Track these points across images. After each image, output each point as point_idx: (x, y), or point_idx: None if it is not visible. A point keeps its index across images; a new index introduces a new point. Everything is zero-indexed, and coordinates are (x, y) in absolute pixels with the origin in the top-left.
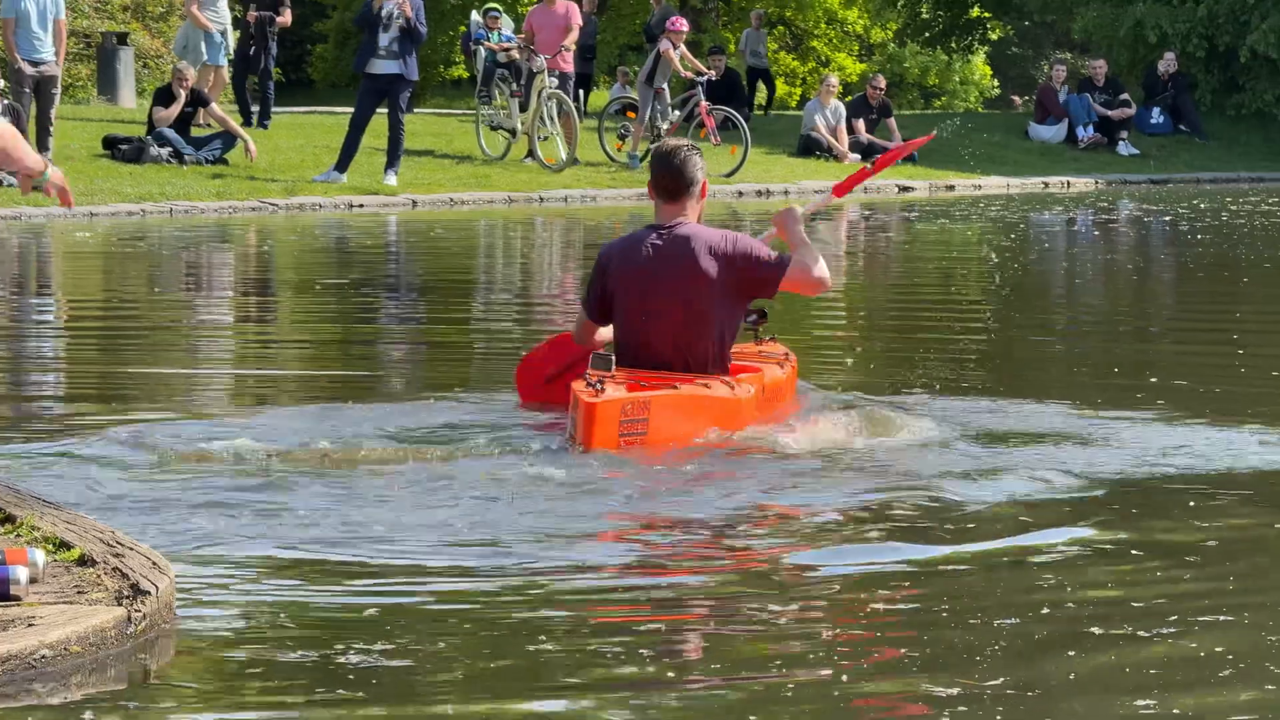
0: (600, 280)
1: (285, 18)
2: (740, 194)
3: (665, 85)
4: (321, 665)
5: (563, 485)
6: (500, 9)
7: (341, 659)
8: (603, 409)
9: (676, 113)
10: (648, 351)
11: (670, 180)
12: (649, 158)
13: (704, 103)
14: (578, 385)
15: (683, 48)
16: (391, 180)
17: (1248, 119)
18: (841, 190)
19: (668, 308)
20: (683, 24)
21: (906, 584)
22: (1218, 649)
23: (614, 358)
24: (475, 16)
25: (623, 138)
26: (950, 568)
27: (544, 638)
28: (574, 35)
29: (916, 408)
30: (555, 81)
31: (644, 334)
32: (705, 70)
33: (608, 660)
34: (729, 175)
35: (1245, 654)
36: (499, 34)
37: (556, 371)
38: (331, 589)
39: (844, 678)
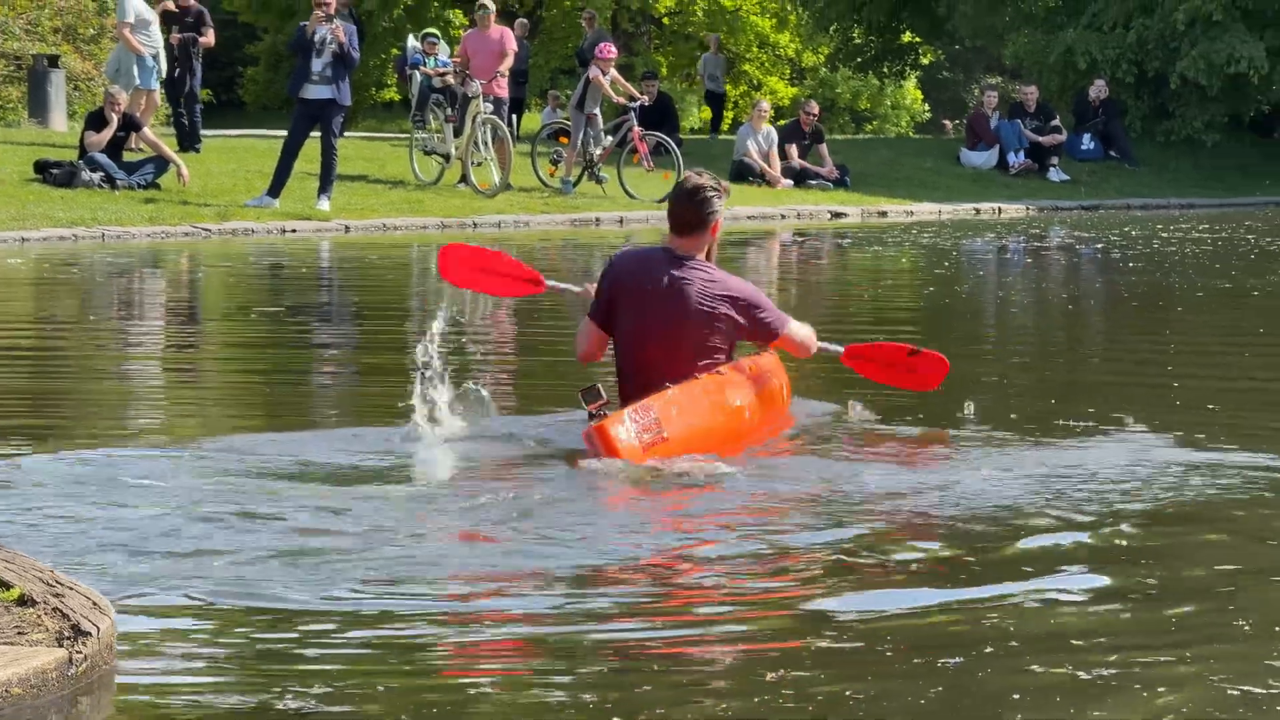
0: (604, 285)
1: (208, 38)
2: None
3: (597, 110)
4: (261, 709)
5: (474, 523)
6: (438, 35)
7: (280, 703)
8: (613, 427)
9: (609, 138)
10: (638, 368)
11: (688, 215)
12: (581, 183)
13: (636, 128)
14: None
15: (614, 73)
16: (324, 205)
17: (1177, 145)
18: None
19: (666, 333)
20: (611, 51)
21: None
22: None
23: (599, 386)
24: (412, 41)
25: (555, 163)
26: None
27: (484, 682)
28: (509, 61)
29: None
30: (490, 107)
31: (638, 353)
32: (638, 95)
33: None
34: (661, 201)
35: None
36: (435, 59)
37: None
38: (272, 629)
39: None
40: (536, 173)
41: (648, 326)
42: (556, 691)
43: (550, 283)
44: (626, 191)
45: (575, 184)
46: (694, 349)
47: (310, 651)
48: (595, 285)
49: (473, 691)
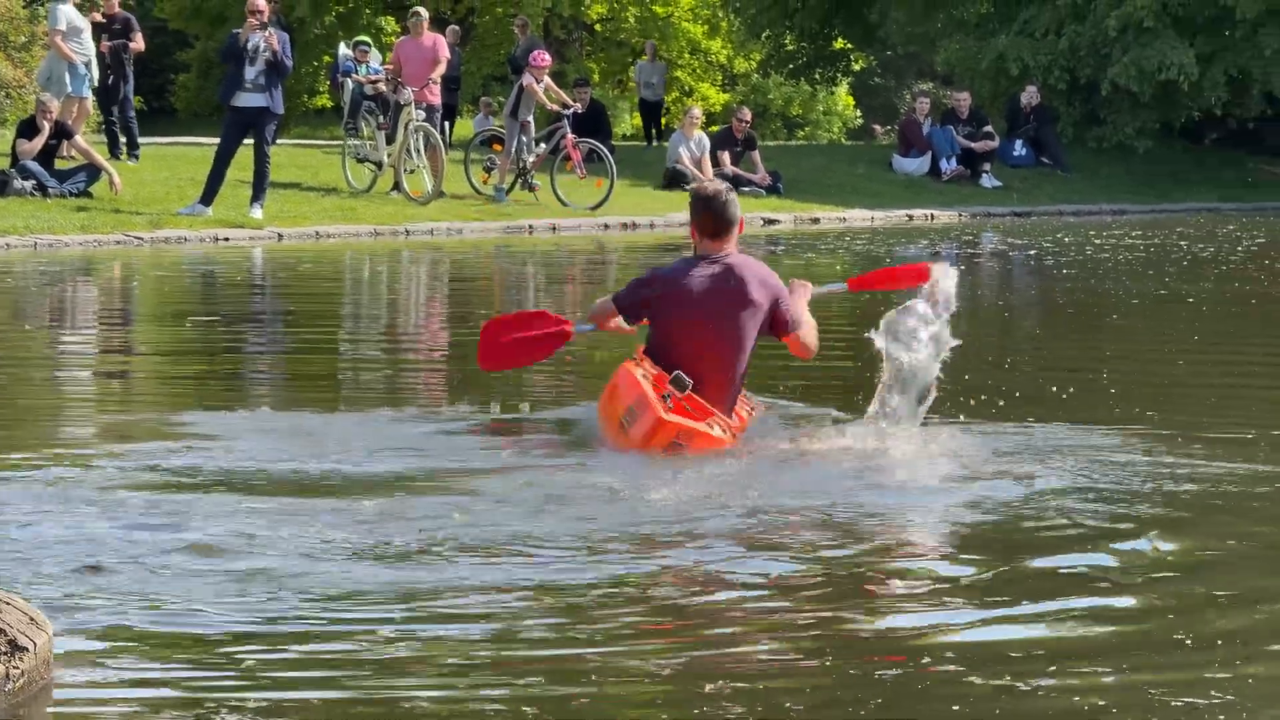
0: (643, 289)
1: (138, 43)
2: (606, 227)
3: (530, 118)
4: None
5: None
6: (370, 43)
7: (216, 717)
8: (665, 429)
9: (542, 145)
10: (682, 364)
11: (716, 222)
12: (514, 190)
13: (569, 135)
14: (649, 390)
15: (547, 80)
16: (257, 213)
17: (1109, 151)
18: (856, 284)
19: (710, 326)
20: (546, 59)
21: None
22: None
23: (691, 383)
24: (344, 49)
25: (489, 170)
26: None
27: (420, 696)
28: (441, 68)
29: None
30: (422, 114)
31: (681, 348)
32: (570, 102)
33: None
34: (595, 208)
35: None
36: (367, 67)
37: (517, 336)
38: (211, 644)
39: None
40: (470, 180)
41: (692, 319)
42: (495, 705)
43: (578, 327)
44: (559, 199)
45: (508, 191)
46: (736, 339)
47: (248, 665)
48: (618, 319)
49: (408, 706)
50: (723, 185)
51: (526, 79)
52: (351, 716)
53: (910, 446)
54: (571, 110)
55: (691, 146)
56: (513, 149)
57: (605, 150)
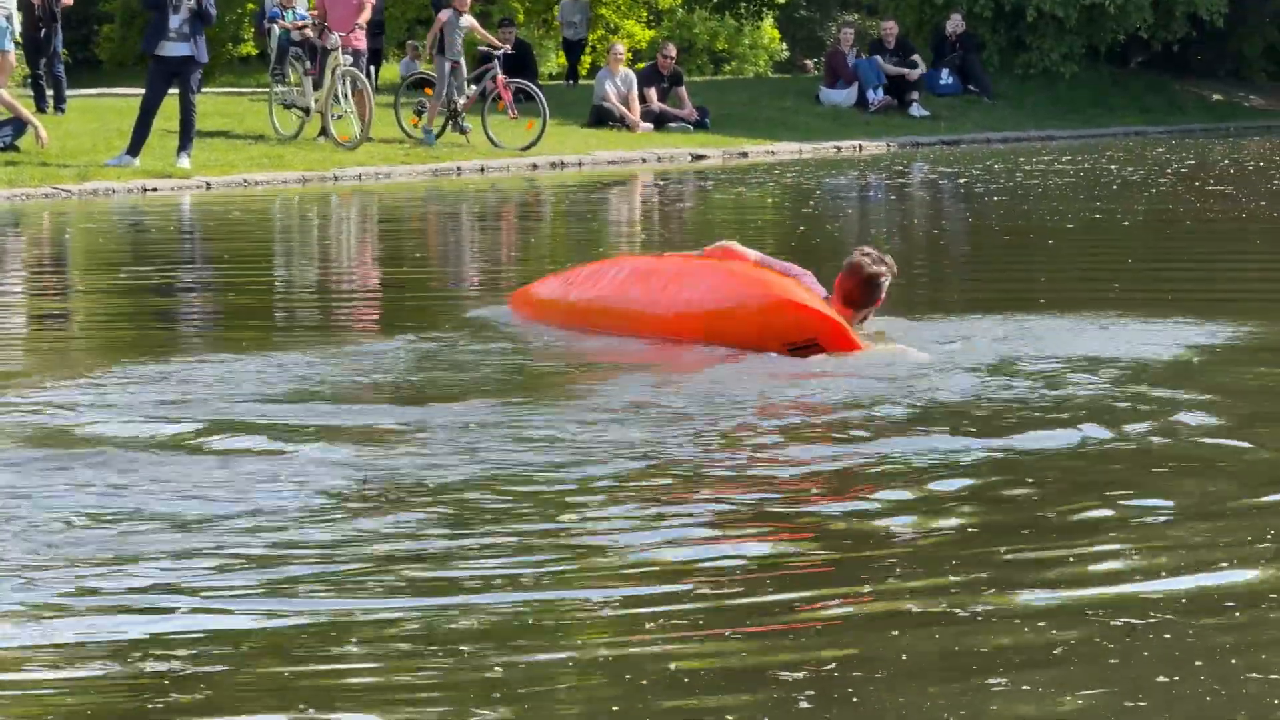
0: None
1: None
2: (535, 167)
3: (460, 59)
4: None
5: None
6: None
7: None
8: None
9: (473, 87)
10: None
11: (861, 296)
12: (445, 133)
13: (500, 76)
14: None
15: (472, 20)
16: (184, 163)
17: (1035, 78)
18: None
19: None
20: None
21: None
22: None
23: None
24: None
25: (419, 114)
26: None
27: (348, 675)
28: (367, 14)
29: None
30: (349, 59)
31: None
32: (498, 44)
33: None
34: (526, 149)
35: None
36: (293, 12)
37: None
38: (144, 620)
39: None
40: (400, 124)
41: None
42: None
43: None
44: (492, 140)
45: (438, 135)
46: None
47: (183, 652)
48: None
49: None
50: (884, 270)
51: (443, 14)
52: (288, 693)
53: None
54: (501, 51)
55: (618, 83)
56: (443, 92)
57: (536, 89)
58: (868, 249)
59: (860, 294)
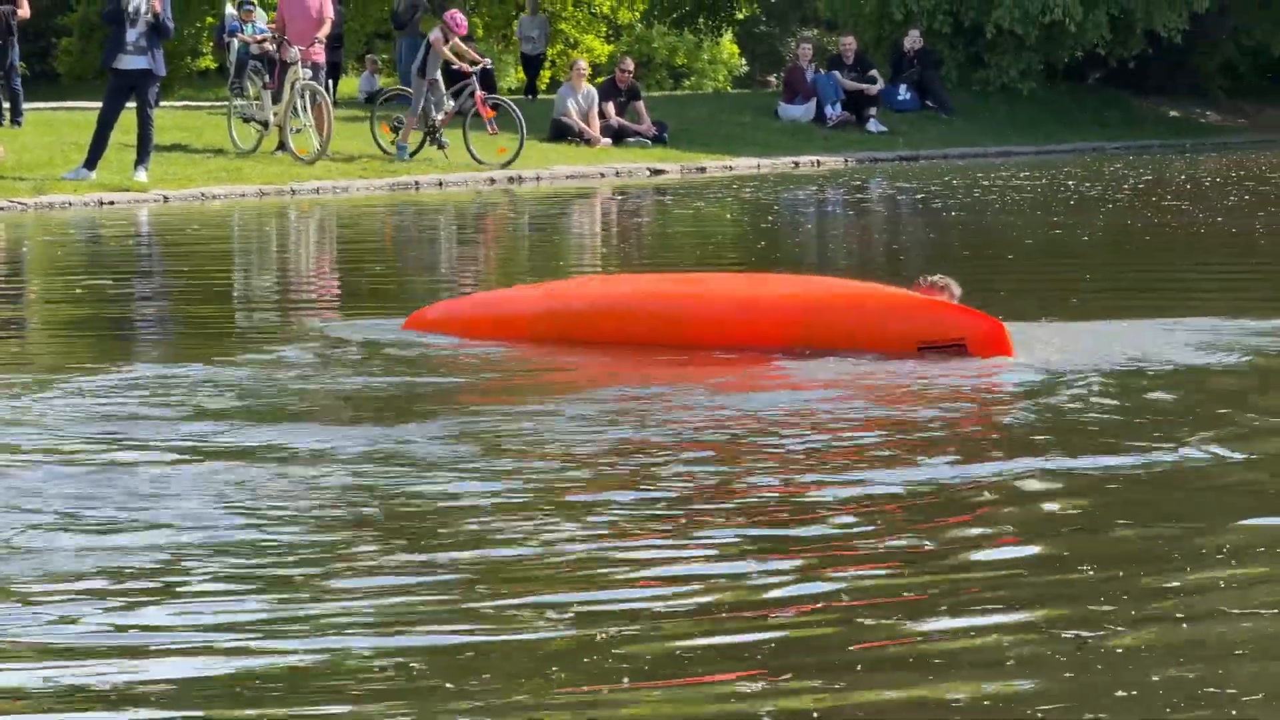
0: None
1: (24, 10)
2: (492, 181)
3: (439, 76)
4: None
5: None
6: (254, 2)
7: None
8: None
9: (451, 103)
10: None
11: None
12: (423, 149)
13: (479, 92)
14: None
15: (457, 40)
16: (142, 176)
17: (993, 94)
18: None
19: None
20: (462, 22)
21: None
22: None
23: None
24: (230, 9)
25: (396, 129)
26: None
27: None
28: (326, 28)
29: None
30: (309, 73)
31: None
32: (480, 59)
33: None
34: (506, 165)
35: None
36: (252, 26)
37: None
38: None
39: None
40: (375, 137)
41: None
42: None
43: None
44: (474, 157)
45: (415, 152)
46: None
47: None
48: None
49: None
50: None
51: (434, 35)
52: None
53: None
54: (479, 67)
55: (579, 99)
56: (419, 108)
57: (513, 105)
58: (932, 277)
59: None
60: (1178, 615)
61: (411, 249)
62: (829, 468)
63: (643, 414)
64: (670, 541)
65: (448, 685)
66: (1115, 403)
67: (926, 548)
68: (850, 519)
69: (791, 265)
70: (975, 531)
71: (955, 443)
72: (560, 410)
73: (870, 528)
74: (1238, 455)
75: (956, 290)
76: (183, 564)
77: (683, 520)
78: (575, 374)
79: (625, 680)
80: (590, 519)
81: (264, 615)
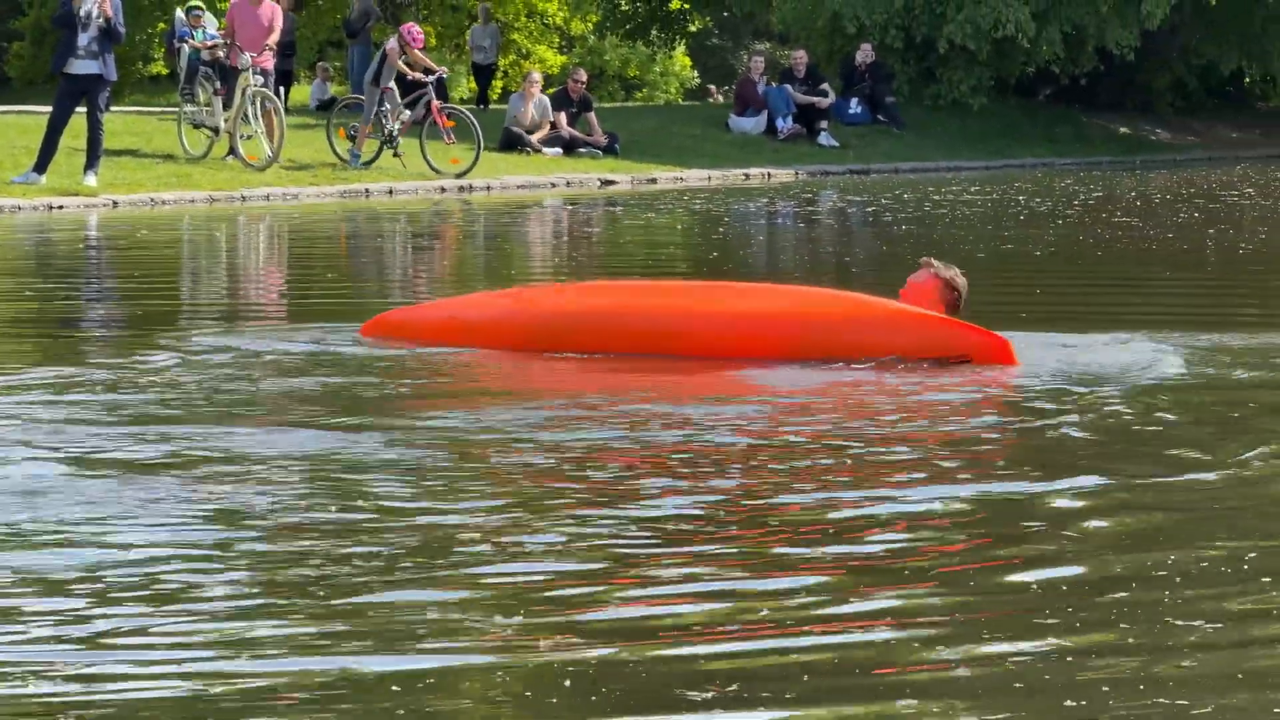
0: None
1: None
2: (443, 190)
3: (393, 84)
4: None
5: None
6: (203, 7)
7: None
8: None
9: (407, 111)
10: None
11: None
12: (380, 158)
13: (435, 101)
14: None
15: (411, 49)
16: (91, 181)
17: (944, 109)
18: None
19: None
20: (420, 36)
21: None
22: None
23: None
24: (180, 14)
25: (352, 137)
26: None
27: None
28: (275, 35)
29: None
30: (261, 80)
31: None
32: (436, 69)
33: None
34: (461, 175)
35: None
36: (203, 32)
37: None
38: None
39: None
40: (331, 144)
41: None
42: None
43: None
44: (432, 167)
45: (371, 161)
46: None
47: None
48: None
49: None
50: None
51: (390, 44)
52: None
53: None
54: (435, 76)
55: (532, 109)
56: (371, 116)
57: (469, 115)
58: (931, 260)
59: (960, 302)
60: (1224, 641)
61: (363, 256)
62: (837, 483)
63: (634, 424)
64: (674, 557)
65: (427, 709)
66: (1129, 416)
67: (955, 568)
68: (858, 536)
69: (744, 276)
70: (992, 552)
71: (964, 457)
72: (531, 419)
73: (882, 547)
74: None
75: (962, 281)
76: (120, 576)
77: (686, 534)
78: (550, 384)
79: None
80: (586, 534)
81: (216, 632)
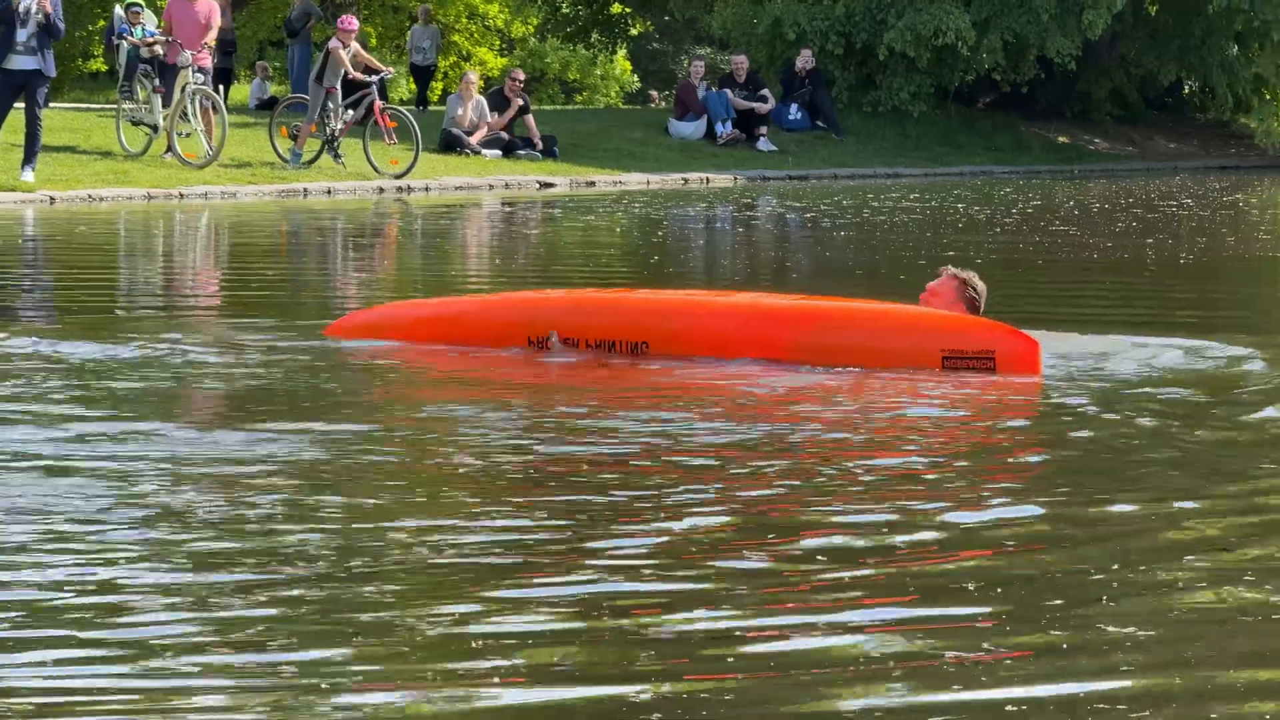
0: None
1: None
2: (381, 190)
3: (337, 84)
4: None
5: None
6: (142, 4)
7: None
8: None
9: (350, 112)
10: None
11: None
12: (320, 158)
13: (379, 102)
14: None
15: (356, 45)
16: (29, 176)
17: (884, 115)
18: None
19: None
20: (353, 23)
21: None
22: None
23: None
24: (119, 10)
25: (294, 136)
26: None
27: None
28: (213, 34)
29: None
30: (201, 77)
31: None
32: (381, 68)
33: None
34: (401, 176)
35: None
36: (142, 29)
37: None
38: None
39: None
40: (273, 144)
41: None
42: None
43: None
44: (374, 167)
45: (312, 161)
46: None
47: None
48: None
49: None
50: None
51: (333, 44)
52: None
53: None
54: (380, 76)
55: (469, 110)
56: (315, 115)
57: (410, 117)
58: (950, 269)
59: (979, 304)
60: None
61: (303, 256)
62: (859, 494)
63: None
64: (689, 571)
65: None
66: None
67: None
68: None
69: (677, 281)
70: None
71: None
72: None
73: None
74: None
75: (980, 284)
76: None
77: (703, 544)
78: (553, 382)
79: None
80: (605, 541)
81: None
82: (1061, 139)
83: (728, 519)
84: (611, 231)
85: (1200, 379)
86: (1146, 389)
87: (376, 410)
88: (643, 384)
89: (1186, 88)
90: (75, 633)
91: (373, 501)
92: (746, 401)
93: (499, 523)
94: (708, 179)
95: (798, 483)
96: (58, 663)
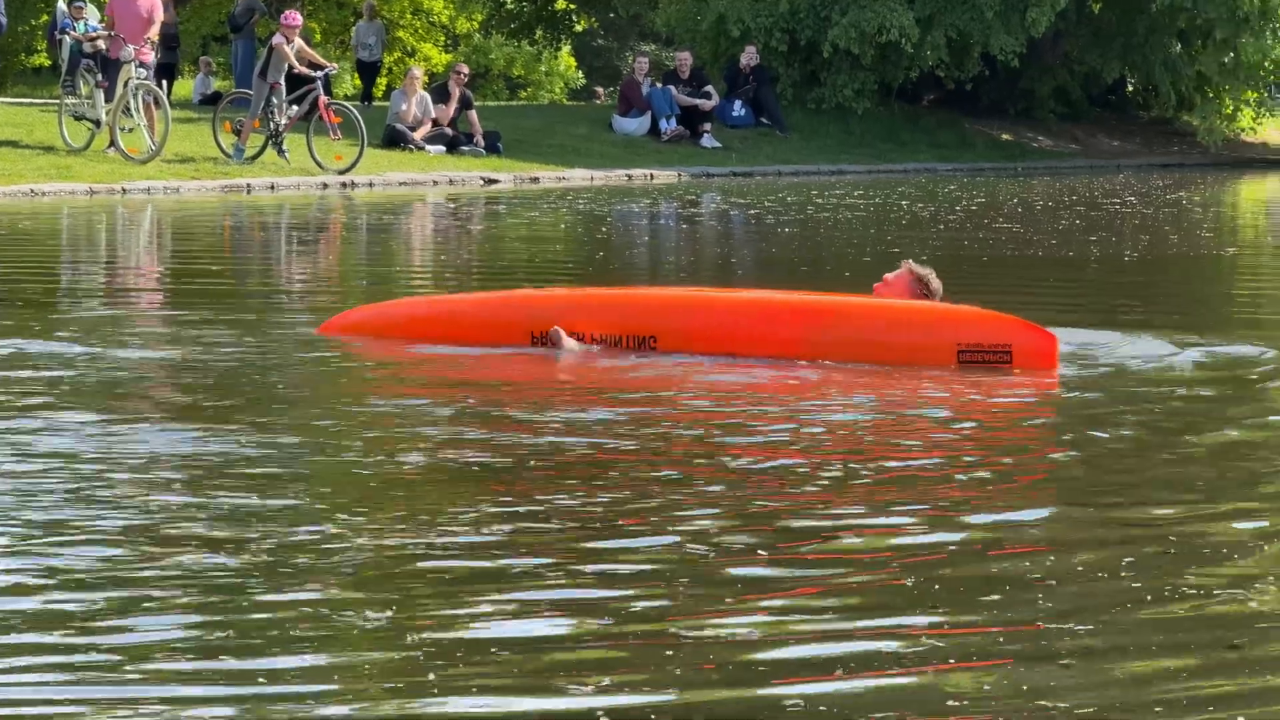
0: None
1: None
2: (325, 186)
3: (281, 80)
4: None
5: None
6: None
7: None
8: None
9: (294, 107)
10: None
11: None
12: (264, 154)
13: (323, 97)
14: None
15: (299, 41)
16: None
17: (828, 112)
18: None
19: None
20: (295, 19)
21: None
22: None
23: None
24: (61, 5)
25: (238, 131)
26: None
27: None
28: (156, 28)
29: None
30: (145, 72)
31: None
32: (325, 64)
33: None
34: (345, 171)
35: None
36: (85, 24)
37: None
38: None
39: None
40: (216, 139)
41: None
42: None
43: None
44: (318, 163)
45: (256, 156)
46: None
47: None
48: None
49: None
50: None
51: (276, 39)
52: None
53: None
54: (325, 71)
55: (413, 106)
56: (259, 110)
57: (355, 112)
58: (910, 263)
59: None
60: None
61: (249, 251)
62: (870, 494)
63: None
64: (701, 575)
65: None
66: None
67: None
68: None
69: (619, 278)
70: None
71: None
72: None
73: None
74: None
75: (936, 283)
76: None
77: (714, 550)
78: (568, 379)
79: None
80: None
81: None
82: (1005, 136)
83: (737, 521)
84: (556, 228)
85: (1211, 378)
86: (1163, 387)
87: (371, 410)
88: (650, 380)
89: (1130, 86)
90: (41, 639)
91: (370, 501)
92: (757, 398)
93: (499, 523)
94: (652, 175)
95: (809, 483)
96: (27, 669)
